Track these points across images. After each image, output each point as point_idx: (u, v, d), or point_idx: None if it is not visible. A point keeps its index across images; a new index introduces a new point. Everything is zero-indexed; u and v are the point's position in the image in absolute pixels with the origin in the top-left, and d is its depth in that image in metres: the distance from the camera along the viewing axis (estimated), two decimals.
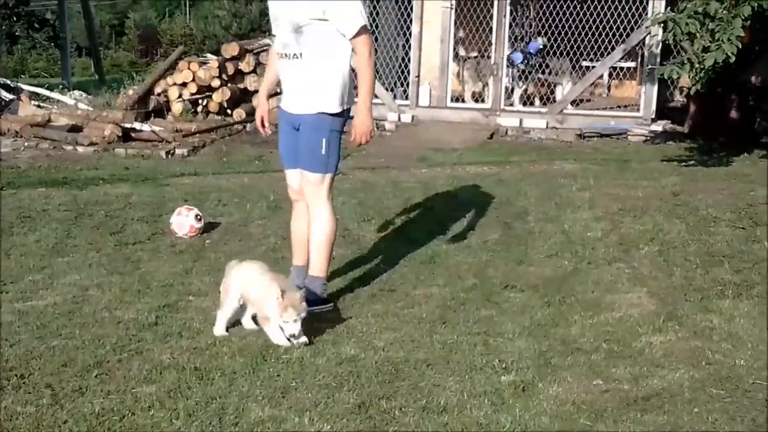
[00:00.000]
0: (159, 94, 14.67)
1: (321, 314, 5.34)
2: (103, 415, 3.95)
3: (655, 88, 13.33)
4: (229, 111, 14.71)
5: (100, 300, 5.72)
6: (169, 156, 12.04)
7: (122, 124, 13.06)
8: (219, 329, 5.11)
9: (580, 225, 7.63)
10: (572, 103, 14.06)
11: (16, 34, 29.75)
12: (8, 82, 16.20)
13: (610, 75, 15.14)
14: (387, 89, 14.75)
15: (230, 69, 14.68)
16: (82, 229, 7.66)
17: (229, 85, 14.66)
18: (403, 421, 3.94)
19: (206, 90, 14.62)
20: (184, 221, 7.52)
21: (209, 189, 9.31)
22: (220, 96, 14.57)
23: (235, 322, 5.21)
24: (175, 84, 14.61)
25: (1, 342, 4.88)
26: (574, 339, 5.06)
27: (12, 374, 4.41)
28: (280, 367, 4.58)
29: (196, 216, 7.57)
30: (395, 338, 5.04)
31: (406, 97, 14.65)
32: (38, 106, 14.35)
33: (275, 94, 6.66)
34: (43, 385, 4.29)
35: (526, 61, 14.30)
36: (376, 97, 14.51)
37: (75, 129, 13.03)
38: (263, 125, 5.88)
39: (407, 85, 14.67)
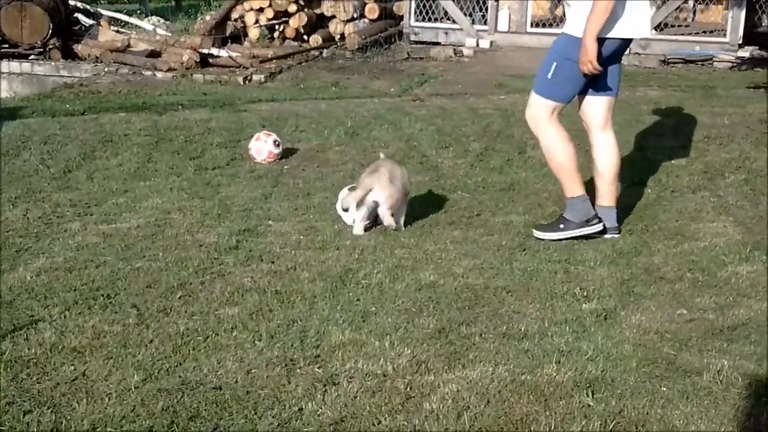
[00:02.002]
0: (236, 20, 14.68)
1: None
2: (188, 335, 4.01)
3: (743, 12, 12.90)
4: (305, 37, 14.66)
5: (181, 223, 5.79)
6: (247, 82, 12.08)
7: (200, 50, 13.13)
8: None
9: (664, 153, 7.46)
10: (656, 28, 13.66)
11: None
12: (88, 7, 16.35)
13: None
14: (465, 14, 14.52)
15: None
16: (163, 154, 7.74)
17: (305, 10, 14.58)
18: (483, 347, 3.92)
19: (283, 15, 14.58)
20: (262, 147, 7.55)
21: (287, 115, 9.31)
22: (297, 21, 14.52)
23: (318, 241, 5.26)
24: (251, 9, 14.60)
25: (87, 263, 4.98)
26: (657, 268, 4.98)
27: (99, 294, 4.50)
28: (360, 292, 4.59)
29: (275, 141, 7.59)
30: (474, 265, 5.01)
31: (485, 22, 14.41)
32: (117, 32, 14.47)
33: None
34: (128, 305, 4.36)
35: None
36: (453, 22, 14.35)
37: (154, 54, 13.16)
38: None
39: (486, 9, 14.42)
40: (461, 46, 14.05)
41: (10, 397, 3.42)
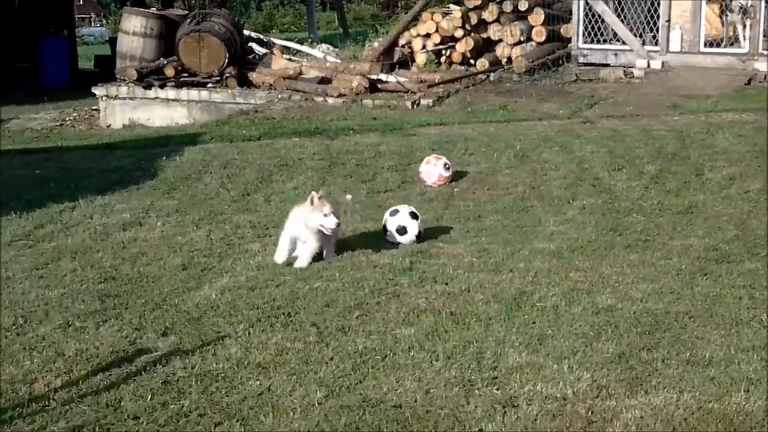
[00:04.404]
0: (403, 46, 14.87)
1: None
2: (366, 354, 4.08)
3: None
4: (471, 61, 14.71)
5: (356, 245, 5.89)
6: (415, 106, 12.20)
7: (369, 76, 13.35)
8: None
9: None
10: None
11: None
12: (261, 36, 16.92)
13: None
14: (635, 35, 14.24)
15: (473, 19, 14.63)
16: (336, 177, 7.92)
17: (472, 34, 14.63)
18: (666, 373, 3.82)
19: (449, 40, 14.68)
20: (432, 170, 7.61)
21: (455, 138, 9.35)
22: (464, 46, 14.59)
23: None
24: (418, 35, 14.76)
25: (268, 282, 5.14)
26: None
27: (280, 312, 4.64)
28: (535, 315, 4.55)
29: (445, 165, 7.64)
30: (653, 289, 4.89)
31: (656, 43, 14.09)
32: (289, 60, 14.89)
33: None
34: (308, 324, 4.48)
35: None
36: (623, 43, 14.10)
37: (324, 81, 13.46)
38: None
39: (657, 29, 14.10)
40: (631, 67, 13.78)
41: (201, 410, 3.57)
